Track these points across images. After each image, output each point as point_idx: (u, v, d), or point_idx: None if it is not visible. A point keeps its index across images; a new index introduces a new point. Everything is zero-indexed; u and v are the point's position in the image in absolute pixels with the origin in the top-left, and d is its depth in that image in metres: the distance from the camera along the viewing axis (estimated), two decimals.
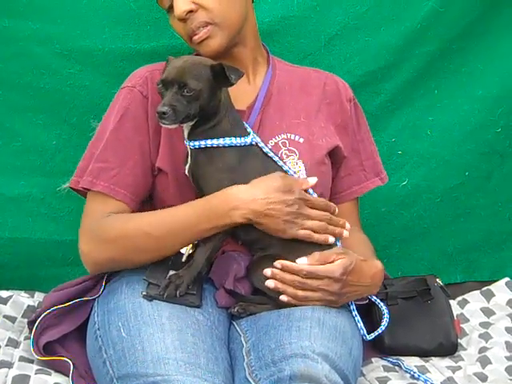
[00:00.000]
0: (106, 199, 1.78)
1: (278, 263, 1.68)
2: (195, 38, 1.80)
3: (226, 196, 1.67)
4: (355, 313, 1.77)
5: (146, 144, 1.80)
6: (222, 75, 1.66)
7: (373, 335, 1.79)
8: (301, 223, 1.70)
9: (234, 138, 1.72)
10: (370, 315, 1.90)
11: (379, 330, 1.80)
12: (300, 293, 1.67)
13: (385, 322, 1.81)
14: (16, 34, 2.12)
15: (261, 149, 1.76)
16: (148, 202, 1.87)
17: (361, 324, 1.77)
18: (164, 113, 1.62)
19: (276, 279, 1.68)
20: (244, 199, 1.66)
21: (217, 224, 1.67)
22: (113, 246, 1.73)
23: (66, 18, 2.14)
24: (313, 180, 1.77)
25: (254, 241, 1.75)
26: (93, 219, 1.77)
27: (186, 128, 1.73)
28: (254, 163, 1.74)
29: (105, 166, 1.77)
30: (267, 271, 1.68)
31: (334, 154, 1.94)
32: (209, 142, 1.71)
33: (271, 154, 1.77)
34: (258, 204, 1.66)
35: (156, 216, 1.75)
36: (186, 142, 1.74)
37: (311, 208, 1.72)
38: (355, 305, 1.78)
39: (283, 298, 1.68)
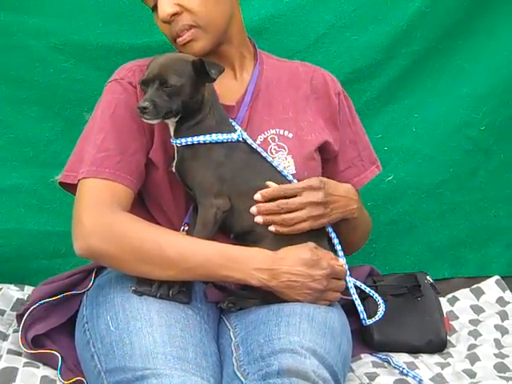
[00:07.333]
0: (110, 186, 1.59)
1: (257, 194, 1.58)
2: (179, 40, 1.67)
3: (252, 254, 1.55)
4: (356, 296, 1.67)
5: (142, 131, 1.66)
6: (203, 71, 1.56)
7: (371, 321, 1.68)
8: (324, 296, 1.58)
9: (220, 134, 1.59)
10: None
11: (377, 317, 1.68)
12: (286, 216, 1.57)
13: (381, 310, 1.69)
14: (11, 27, 2.01)
15: (249, 145, 1.63)
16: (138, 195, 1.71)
17: (361, 308, 1.67)
18: (145, 108, 1.52)
19: (262, 213, 1.58)
20: (268, 266, 1.53)
21: (234, 276, 1.53)
22: (120, 245, 1.54)
23: (61, 13, 2.03)
24: (343, 260, 1.66)
25: (247, 233, 1.62)
26: (101, 206, 1.58)
27: (171, 125, 1.62)
28: (241, 159, 1.62)
29: (107, 155, 1.61)
30: (253, 208, 1.58)
31: (323, 150, 1.79)
32: (195, 139, 1.58)
33: (260, 150, 1.64)
34: (280, 275, 1.53)
35: (179, 238, 1.59)
36: (172, 140, 1.62)
37: (337, 279, 1.61)
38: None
39: (271, 228, 1.58)
